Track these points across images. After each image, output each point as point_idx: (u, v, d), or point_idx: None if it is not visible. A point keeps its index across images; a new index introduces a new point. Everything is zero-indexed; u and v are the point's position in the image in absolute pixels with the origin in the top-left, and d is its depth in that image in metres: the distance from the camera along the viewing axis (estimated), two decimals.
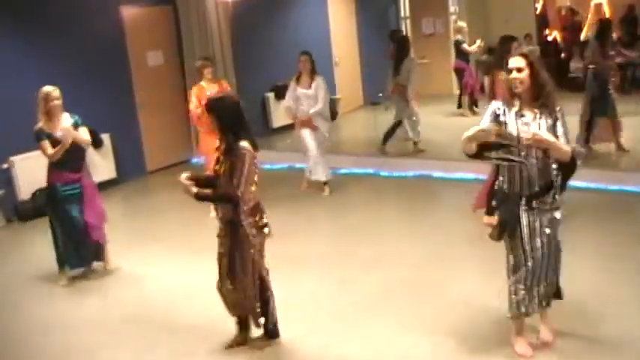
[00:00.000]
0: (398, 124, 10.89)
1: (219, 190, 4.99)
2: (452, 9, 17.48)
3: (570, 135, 4.59)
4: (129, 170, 11.01)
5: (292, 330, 5.50)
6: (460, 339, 5.17)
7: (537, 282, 4.70)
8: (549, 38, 17.86)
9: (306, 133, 9.32)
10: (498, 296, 5.37)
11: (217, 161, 5.05)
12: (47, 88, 6.88)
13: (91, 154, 10.13)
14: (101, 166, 10.35)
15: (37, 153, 9.21)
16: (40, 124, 6.82)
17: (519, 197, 4.59)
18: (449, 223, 7.99)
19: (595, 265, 6.34)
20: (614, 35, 17.22)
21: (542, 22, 18.15)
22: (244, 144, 4.90)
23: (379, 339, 5.31)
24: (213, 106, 5.00)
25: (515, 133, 4.49)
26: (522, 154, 4.51)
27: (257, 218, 5.10)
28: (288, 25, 13.92)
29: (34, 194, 9.39)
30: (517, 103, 4.56)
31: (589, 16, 17.71)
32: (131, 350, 5.48)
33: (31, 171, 9.30)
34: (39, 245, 7.95)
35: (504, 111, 4.58)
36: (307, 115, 9.21)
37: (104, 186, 10.32)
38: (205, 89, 8.63)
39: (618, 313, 5.38)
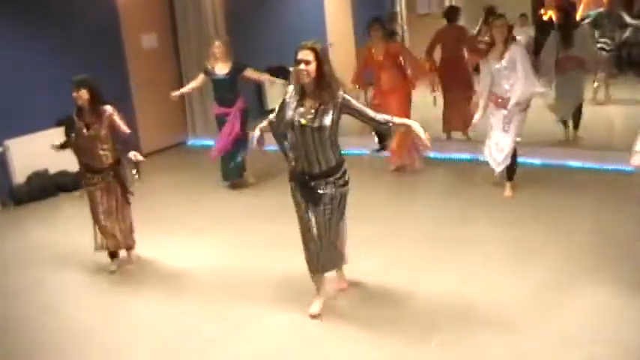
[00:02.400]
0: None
1: None
2: None
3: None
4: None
5: (286, 307, 5.50)
6: (456, 317, 5.18)
7: (320, 248, 5.23)
8: (545, 18, 17.78)
9: None
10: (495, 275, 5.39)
11: None
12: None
13: None
14: None
15: (32, 136, 9.27)
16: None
17: (303, 174, 5.12)
18: (444, 202, 8.00)
19: None
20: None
21: (538, 1, 18.10)
22: None
23: (378, 316, 5.30)
24: None
25: (291, 119, 5.01)
26: (298, 137, 5.02)
27: None
28: (283, 7, 13.87)
29: (29, 178, 9.37)
30: (301, 91, 5.04)
31: None
32: (130, 335, 5.47)
33: (25, 154, 9.30)
34: (35, 230, 7.95)
35: (291, 96, 5.12)
36: None
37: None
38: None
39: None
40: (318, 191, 5.08)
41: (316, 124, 4.93)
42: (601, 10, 12.03)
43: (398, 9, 17.74)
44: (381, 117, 5.06)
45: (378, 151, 5.54)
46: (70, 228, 7.93)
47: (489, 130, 7.92)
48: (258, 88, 13.34)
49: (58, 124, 8.26)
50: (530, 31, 17.28)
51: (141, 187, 8.63)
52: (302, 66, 4.91)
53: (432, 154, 9.32)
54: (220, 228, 7.60)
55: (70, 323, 5.73)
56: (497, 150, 7.79)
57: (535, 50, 16.93)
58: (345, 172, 5.19)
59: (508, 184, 7.95)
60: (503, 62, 7.57)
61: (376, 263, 6.31)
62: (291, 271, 6.10)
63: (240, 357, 4.98)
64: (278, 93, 13.20)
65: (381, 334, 5.04)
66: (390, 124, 5.05)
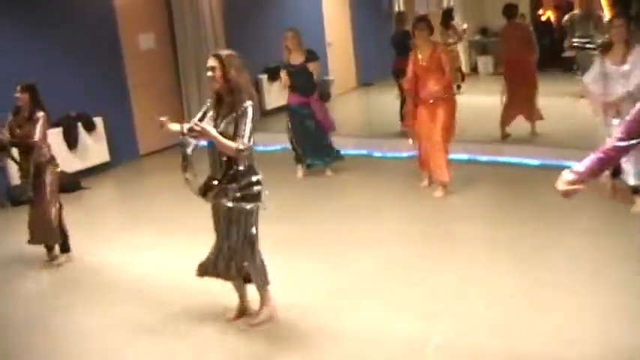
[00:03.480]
0: None
1: None
2: None
3: (247, 133, 4.92)
4: (122, 154, 10.96)
5: (290, 309, 5.50)
6: (456, 318, 5.16)
7: (221, 257, 5.23)
8: (543, 18, 17.77)
9: None
10: (495, 275, 5.39)
11: None
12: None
13: (84, 137, 10.13)
14: (94, 149, 10.33)
15: None
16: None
17: (210, 180, 5.19)
18: (445, 202, 7.99)
19: None
20: (608, 15, 17.24)
21: (536, 1, 18.09)
22: None
23: (376, 320, 5.29)
24: None
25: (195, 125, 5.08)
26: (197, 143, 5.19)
27: None
28: (281, 7, 13.85)
29: None
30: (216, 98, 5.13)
31: None
32: (123, 333, 5.45)
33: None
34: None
35: (210, 102, 5.20)
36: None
37: (97, 170, 10.33)
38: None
39: None
40: (218, 198, 5.15)
41: (220, 129, 5.04)
42: (576, 11, 12.11)
43: (396, 9, 17.75)
44: (242, 144, 4.97)
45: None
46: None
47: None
48: (257, 87, 13.33)
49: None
50: None
51: (138, 188, 8.67)
52: (209, 73, 5.06)
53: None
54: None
55: (67, 323, 5.71)
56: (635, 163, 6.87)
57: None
58: (251, 185, 5.14)
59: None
60: (626, 66, 6.79)
61: (375, 263, 6.31)
62: (297, 273, 6.10)
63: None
64: (276, 93, 13.33)
65: (381, 334, 5.03)
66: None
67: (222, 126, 5.04)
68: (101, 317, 5.77)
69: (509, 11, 10.43)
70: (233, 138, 4.93)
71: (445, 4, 17.19)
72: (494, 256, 6.27)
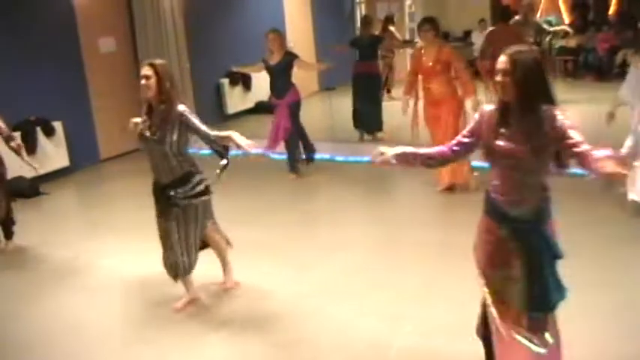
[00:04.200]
0: None
1: None
2: None
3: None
4: (82, 158, 10.84)
5: (254, 314, 5.50)
6: (419, 322, 5.18)
7: (180, 253, 5.45)
8: None
9: None
10: (458, 280, 5.41)
11: None
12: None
13: (43, 142, 10.00)
14: (53, 154, 10.20)
15: None
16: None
17: (155, 184, 5.49)
18: (409, 207, 8.02)
19: None
20: (568, 20, 17.57)
21: (496, 6, 18.29)
22: None
23: (339, 324, 5.30)
24: None
25: (140, 130, 5.40)
26: (146, 149, 5.44)
27: None
28: (242, 10, 13.82)
29: None
30: (148, 106, 5.33)
31: (542, 0, 18.00)
32: (85, 342, 5.39)
33: None
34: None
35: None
36: None
37: (57, 175, 10.19)
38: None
39: None
40: (169, 201, 5.36)
41: (157, 137, 5.26)
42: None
43: (358, 13, 17.85)
44: (214, 135, 5.33)
45: (222, 169, 5.64)
46: (25, 234, 7.78)
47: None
48: (218, 91, 13.29)
49: None
50: None
51: (99, 193, 8.58)
52: (143, 81, 5.18)
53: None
54: None
55: (33, 334, 5.63)
56: None
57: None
58: (198, 183, 5.45)
59: None
60: None
61: (339, 267, 6.32)
62: (259, 277, 6.08)
63: None
64: (238, 98, 13.32)
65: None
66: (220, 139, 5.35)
67: (158, 134, 5.24)
68: (63, 322, 5.70)
69: (503, 13, 10.45)
70: (176, 143, 5.25)
71: (407, 9, 17.37)
72: (456, 261, 6.29)
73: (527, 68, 3.52)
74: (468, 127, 3.86)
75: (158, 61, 5.30)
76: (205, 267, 5.88)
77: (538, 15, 17.28)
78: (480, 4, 17.70)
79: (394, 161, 3.86)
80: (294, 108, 9.20)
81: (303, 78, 9.56)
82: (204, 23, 12.65)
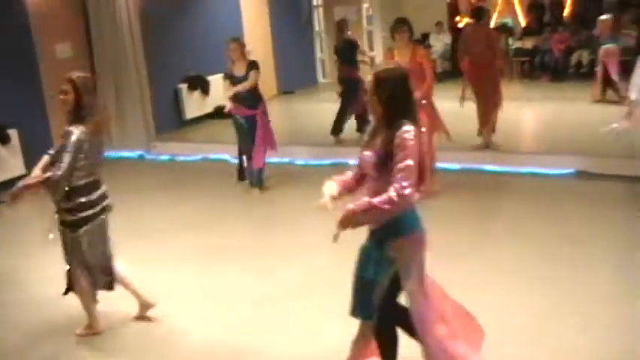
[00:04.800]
0: None
1: None
2: None
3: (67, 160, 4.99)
4: None
5: (212, 321, 5.46)
6: None
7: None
8: (460, 25, 18.09)
9: None
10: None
11: None
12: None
13: None
14: (9, 162, 10.02)
15: None
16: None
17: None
18: None
19: None
20: (524, 22, 17.77)
21: (453, 9, 18.43)
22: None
23: (299, 327, 5.29)
24: None
25: None
26: None
27: None
28: (200, 15, 13.72)
29: None
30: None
31: (499, 2, 18.18)
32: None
33: None
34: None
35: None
36: None
37: (13, 183, 9.97)
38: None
39: None
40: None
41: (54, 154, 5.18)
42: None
43: (315, 16, 17.85)
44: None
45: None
46: None
47: None
48: (176, 97, 13.18)
49: None
50: (446, 38, 17.60)
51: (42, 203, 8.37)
52: (60, 96, 5.14)
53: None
54: (136, 243, 7.42)
55: None
56: None
57: (452, 56, 17.32)
58: (72, 211, 5.13)
59: None
60: None
61: (299, 273, 6.29)
62: (217, 284, 6.02)
63: None
64: (196, 103, 13.23)
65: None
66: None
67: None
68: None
69: (479, 13, 10.48)
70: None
71: (364, 12, 17.40)
72: None
73: (391, 86, 3.70)
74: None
75: (77, 75, 5.16)
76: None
77: (495, 17, 17.47)
78: (437, 7, 17.81)
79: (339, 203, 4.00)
80: (266, 116, 9.01)
81: (262, 82, 9.47)
82: (161, 28, 12.53)
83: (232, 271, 6.45)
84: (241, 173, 9.22)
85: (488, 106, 9.87)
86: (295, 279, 6.17)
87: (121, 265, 5.44)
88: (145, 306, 5.54)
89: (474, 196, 8.18)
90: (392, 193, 3.57)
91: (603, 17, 12.81)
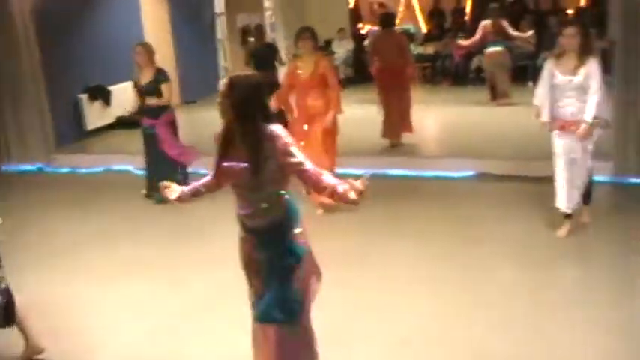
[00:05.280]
0: None
1: None
2: (267, 4, 17.55)
3: None
4: None
5: (126, 334, 5.38)
6: None
7: None
8: (363, 32, 18.32)
9: None
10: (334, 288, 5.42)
11: None
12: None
13: None
14: None
15: None
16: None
17: None
18: None
19: None
20: (425, 28, 18.12)
21: (356, 16, 18.63)
22: None
23: (214, 339, 5.25)
24: None
25: None
26: None
27: None
28: (100, 24, 13.41)
29: None
30: None
31: (400, 9, 18.46)
32: None
33: None
34: None
35: None
36: None
37: None
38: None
39: None
40: None
41: None
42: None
43: (218, 23, 17.74)
44: None
45: None
46: None
47: (557, 166, 6.61)
48: (77, 107, 12.86)
49: None
50: (349, 45, 17.75)
51: None
52: None
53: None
54: (44, 261, 7.21)
55: None
56: (574, 186, 6.58)
57: (354, 62, 17.51)
58: None
59: (586, 210, 6.93)
60: (577, 77, 6.30)
61: (209, 285, 6.22)
62: (129, 296, 5.90)
63: None
64: (97, 113, 12.95)
65: None
66: None
67: None
68: None
69: (388, 20, 10.62)
70: None
71: (267, 20, 17.40)
72: (336, 268, 6.32)
73: (244, 91, 3.73)
74: (216, 154, 4.00)
75: None
76: None
77: (397, 23, 17.73)
78: (339, 14, 17.96)
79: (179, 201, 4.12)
80: (173, 126, 8.76)
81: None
82: (59, 37, 12.19)
83: (144, 284, 6.32)
84: (150, 188, 8.78)
85: (399, 112, 10.13)
86: (208, 290, 6.10)
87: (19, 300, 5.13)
88: (32, 349, 5.06)
89: (378, 201, 8.23)
90: (340, 189, 3.68)
91: (484, 22, 13.30)
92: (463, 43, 13.82)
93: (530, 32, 13.74)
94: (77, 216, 8.56)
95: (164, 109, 8.62)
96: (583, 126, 6.32)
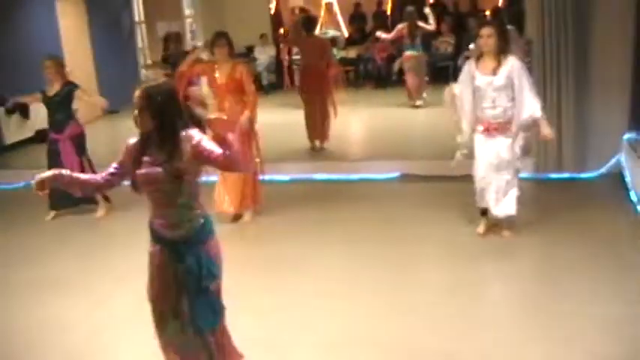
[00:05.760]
0: None
1: None
2: (187, 12, 17.47)
3: None
4: None
5: (46, 355, 5.25)
6: None
7: None
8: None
9: None
10: (260, 292, 5.41)
11: None
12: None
13: None
14: None
15: None
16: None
17: None
18: None
19: None
20: (346, 33, 18.27)
21: (277, 21, 18.64)
22: None
23: (136, 356, 5.15)
24: None
25: None
26: None
27: None
28: (16, 35, 13.09)
29: None
30: None
31: (322, 14, 18.56)
32: None
33: None
34: None
35: None
36: None
37: None
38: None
39: None
40: None
41: None
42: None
43: (139, 31, 17.55)
44: None
45: None
46: None
47: (478, 167, 6.63)
48: None
49: None
50: (271, 50, 17.76)
51: None
52: None
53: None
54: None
55: None
56: (498, 190, 6.56)
57: (276, 68, 17.56)
58: None
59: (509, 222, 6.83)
60: (497, 78, 6.30)
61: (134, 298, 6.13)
62: (50, 315, 5.79)
63: None
64: (16, 127, 12.65)
65: None
66: None
67: None
68: None
69: (309, 24, 10.74)
70: None
71: (188, 27, 17.30)
72: (259, 272, 6.31)
73: (161, 99, 3.74)
74: (119, 159, 4.05)
75: None
76: None
77: (318, 28, 17.80)
78: (260, 20, 17.95)
79: (50, 183, 3.92)
80: (78, 142, 8.48)
81: (85, 103, 9.12)
82: None
83: (63, 303, 6.16)
84: (54, 202, 8.50)
85: (323, 116, 10.16)
86: (127, 306, 5.98)
87: None
88: None
89: (305, 206, 8.26)
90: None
91: (400, 25, 13.56)
92: (381, 35, 13.97)
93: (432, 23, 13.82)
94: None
95: (69, 121, 8.42)
96: (544, 122, 6.41)
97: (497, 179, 6.53)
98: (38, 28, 13.65)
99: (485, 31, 6.32)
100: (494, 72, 6.31)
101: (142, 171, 3.83)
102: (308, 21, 10.90)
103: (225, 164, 3.76)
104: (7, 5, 12.75)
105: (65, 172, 4.05)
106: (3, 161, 11.79)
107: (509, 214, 6.64)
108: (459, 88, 6.59)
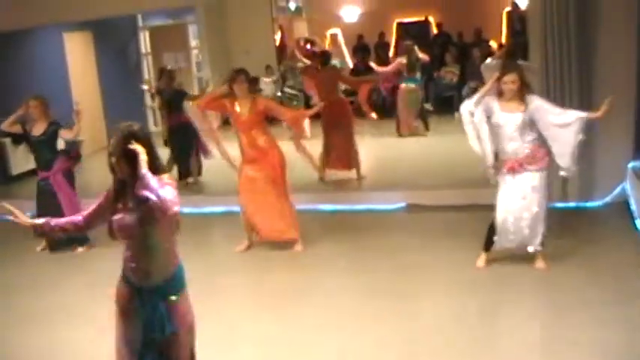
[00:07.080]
0: None
1: None
2: (193, 43, 17.56)
3: None
4: None
5: None
6: None
7: None
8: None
9: None
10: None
11: None
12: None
13: None
14: None
15: None
16: None
17: None
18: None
19: None
20: (351, 64, 18.37)
21: (282, 52, 18.71)
22: None
23: None
24: None
25: None
26: None
27: None
28: (26, 69, 13.20)
29: None
30: None
31: (327, 45, 18.69)
32: None
33: None
34: None
35: None
36: None
37: None
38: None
39: None
40: None
41: None
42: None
43: (145, 63, 17.64)
44: None
45: None
46: None
47: (503, 205, 6.52)
48: (1, 151, 12.58)
49: None
50: (276, 79, 17.79)
51: None
52: None
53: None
54: None
55: None
56: (525, 225, 6.49)
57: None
58: None
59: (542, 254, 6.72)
60: (520, 116, 6.27)
61: None
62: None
63: None
64: (23, 157, 12.69)
65: None
66: None
67: None
68: None
69: (327, 58, 11.22)
70: None
71: (194, 59, 17.40)
72: (257, 302, 6.29)
73: (143, 144, 3.65)
74: (99, 201, 3.99)
75: None
76: None
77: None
78: (266, 51, 18.01)
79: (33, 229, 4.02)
80: (68, 174, 8.51)
81: (91, 134, 9.18)
82: None
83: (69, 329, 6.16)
84: (53, 245, 8.57)
85: (347, 145, 10.42)
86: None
87: None
88: None
89: (309, 236, 8.23)
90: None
91: (399, 59, 13.78)
92: (377, 68, 13.95)
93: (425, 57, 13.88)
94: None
95: (57, 158, 8.43)
96: (592, 114, 6.43)
97: (527, 214, 6.45)
98: (46, 61, 13.76)
99: (510, 77, 6.28)
100: (517, 109, 6.29)
101: (117, 218, 3.77)
102: (325, 55, 11.17)
103: (155, 207, 3.55)
104: (16, 39, 12.84)
105: (41, 221, 4.06)
106: (9, 191, 11.83)
107: (538, 249, 6.60)
108: (474, 107, 6.43)
